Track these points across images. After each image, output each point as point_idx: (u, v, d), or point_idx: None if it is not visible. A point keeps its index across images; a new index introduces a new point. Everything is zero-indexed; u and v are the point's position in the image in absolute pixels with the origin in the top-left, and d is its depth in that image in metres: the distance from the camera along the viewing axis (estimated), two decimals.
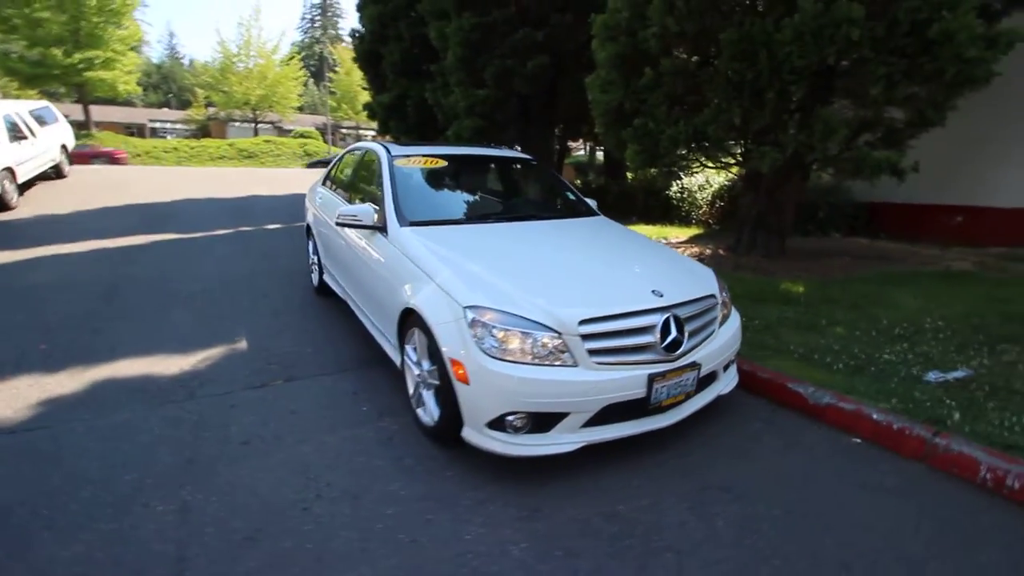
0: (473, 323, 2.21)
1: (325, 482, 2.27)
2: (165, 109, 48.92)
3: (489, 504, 2.12)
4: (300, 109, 42.37)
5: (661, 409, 2.37)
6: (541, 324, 2.18)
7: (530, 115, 7.88)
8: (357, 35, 11.34)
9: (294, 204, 11.13)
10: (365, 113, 13.31)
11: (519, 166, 4.15)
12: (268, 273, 5.71)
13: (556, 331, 2.17)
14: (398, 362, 2.94)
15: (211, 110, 38.33)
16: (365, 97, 41.51)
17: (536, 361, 2.16)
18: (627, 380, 2.22)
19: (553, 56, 7.25)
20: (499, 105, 7.63)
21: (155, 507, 2.09)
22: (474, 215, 3.37)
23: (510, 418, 2.17)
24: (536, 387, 2.14)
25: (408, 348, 2.72)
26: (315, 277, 5.03)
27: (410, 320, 2.64)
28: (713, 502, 2.14)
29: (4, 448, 2.51)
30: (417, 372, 2.64)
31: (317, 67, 56.31)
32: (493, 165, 4.06)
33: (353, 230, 3.45)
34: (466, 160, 3.87)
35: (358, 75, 40.39)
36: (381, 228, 3.13)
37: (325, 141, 36.12)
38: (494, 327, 2.19)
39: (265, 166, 30.91)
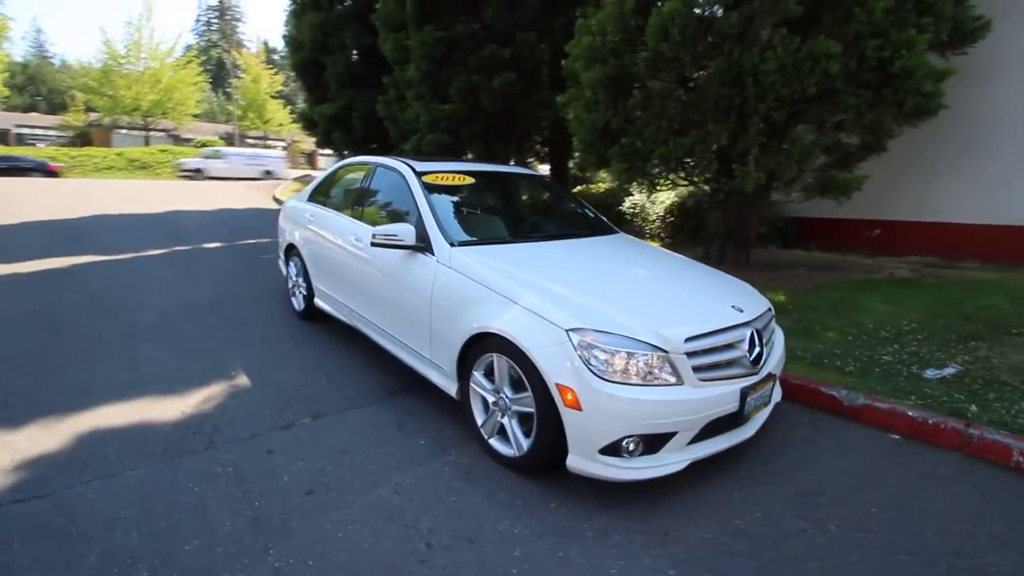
0: (580, 346, 2.15)
1: (426, 527, 2.07)
2: (33, 113, 42.96)
3: (613, 533, 2.05)
4: (197, 117, 39.12)
5: (746, 420, 2.44)
6: (648, 343, 2.16)
7: (492, 131, 7.89)
8: (294, 43, 10.72)
9: (227, 220, 10.24)
10: (290, 123, 12.58)
11: (534, 183, 4.12)
12: (235, 299, 5.17)
13: (663, 350, 2.17)
14: (452, 391, 2.78)
15: (93, 116, 34.26)
16: (275, 106, 39.40)
17: (645, 381, 2.14)
18: (726, 395, 2.27)
19: (518, 73, 7.33)
20: (465, 121, 7.55)
21: None
22: (514, 234, 3.29)
23: (626, 442, 2.13)
24: (652, 408, 2.11)
25: (477, 375, 2.58)
26: (297, 301, 4.64)
27: (482, 345, 2.52)
28: (814, 507, 2.23)
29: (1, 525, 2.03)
30: (493, 400, 2.52)
31: (214, 72, 52.44)
32: (512, 182, 4.00)
33: (376, 250, 3.23)
34: (486, 177, 3.78)
35: (266, 82, 38.39)
36: (423, 248, 2.96)
37: None
38: (602, 349, 2.14)
39: (162, 178, 28.06)
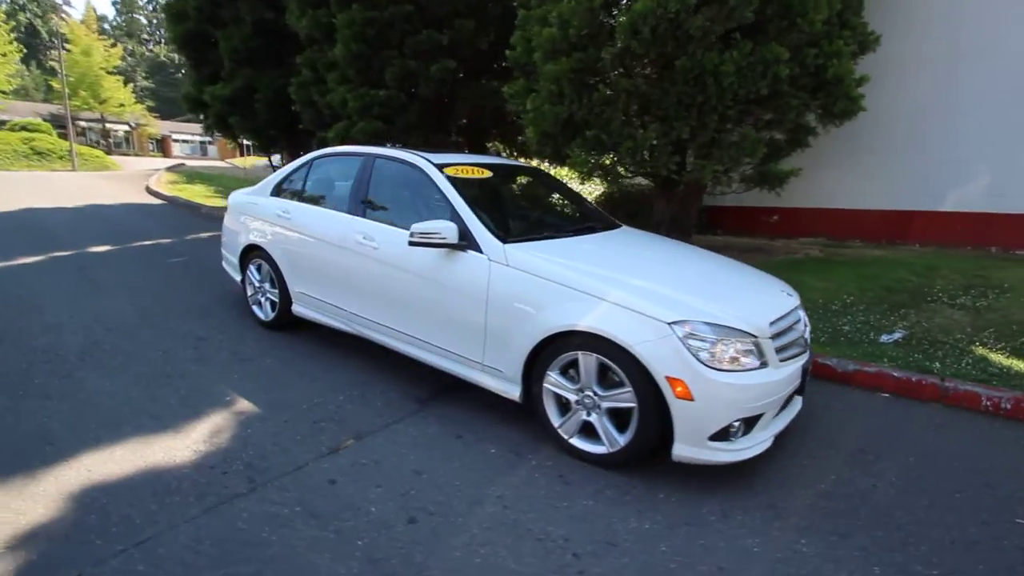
0: (684, 338, 2.20)
1: (560, 537, 1.99)
2: None
3: (732, 514, 2.15)
4: (7, 95, 32.14)
5: (798, 393, 2.69)
6: (742, 330, 2.28)
7: (430, 120, 7.58)
8: (173, 10, 9.22)
9: (102, 219, 8.66)
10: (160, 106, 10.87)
11: (537, 177, 4.05)
12: (168, 312, 4.43)
13: (753, 335, 2.30)
14: (514, 395, 2.68)
15: None
16: (113, 83, 33.75)
17: (743, 367, 2.26)
18: (794, 373, 2.47)
19: (456, 60, 7.11)
20: (402, 108, 7.16)
21: None
22: (548, 228, 3.22)
23: (733, 426, 2.23)
24: (753, 391, 2.24)
25: (553, 375, 2.52)
26: (263, 310, 4.12)
27: (559, 344, 2.46)
28: (869, 464, 2.53)
29: None
30: (576, 399, 2.48)
31: (25, 41, 43.42)
32: (519, 177, 3.88)
33: (399, 249, 2.99)
34: (498, 170, 3.63)
35: (100, 55, 32.69)
36: (465, 246, 2.79)
37: (63, 136, 28.08)
38: (703, 339, 2.21)
39: None
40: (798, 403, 2.69)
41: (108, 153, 29.31)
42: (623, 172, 5.87)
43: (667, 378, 2.19)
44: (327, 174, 3.84)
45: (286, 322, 4.00)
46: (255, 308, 4.20)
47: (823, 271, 5.61)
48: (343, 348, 3.73)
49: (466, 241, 2.80)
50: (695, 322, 2.24)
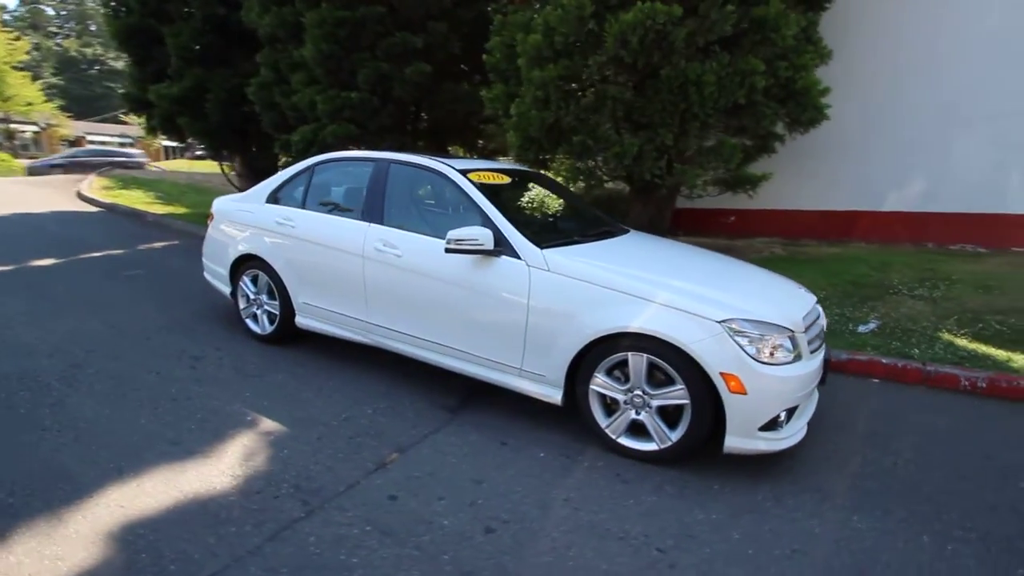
0: (735, 335, 2.32)
1: (639, 534, 2.05)
2: None
3: (785, 499, 2.28)
4: None
5: (821, 384, 2.88)
6: (782, 326, 2.42)
7: (405, 123, 7.45)
8: (115, 5, 8.49)
9: (37, 228, 7.89)
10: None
11: (544, 182, 4.08)
12: (148, 328, 4.12)
13: (791, 329, 2.45)
14: (556, 399, 2.72)
15: None
16: (18, 79, 30.71)
17: (783, 360, 2.40)
18: (820, 365, 2.66)
19: (431, 64, 7.05)
20: (375, 112, 6.99)
21: None
22: (574, 233, 3.26)
23: (780, 417, 2.37)
24: (796, 383, 2.39)
25: (600, 377, 2.57)
26: (259, 323, 3.93)
27: (607, 346, 2.52)
28: (884, 445, 2.75)
29: None
30: (624, 399, 2.54)
31: None
32: (529, 181, 3.89)
33: (428, 257, 2.96)
34: (511, 176, 3.64)
35: (3, 50, 29.63)
36: (500, 252, 2.80)
37: None
38: (750, 336, 2.34)
39: None
40: (816, 393, 2.89)
41: (15, 156, 26.60)
42: (605, 176, 6.03)
43: (722, 374, 2.30)
44: (332, 180, 3.71)
45: (286, 336, 3.83)
46: (249, 322, 3.98)
47: (792, 268, 6.00)
48: (352, 360, 3.61)
49: (501, 247, 2.81)
50: (741, 319, 2.36)
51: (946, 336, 4.02)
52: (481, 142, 9.37)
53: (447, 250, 2.77)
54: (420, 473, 2.44)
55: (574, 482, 2.40)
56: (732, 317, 2.36)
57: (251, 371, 3.46)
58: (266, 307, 3.86)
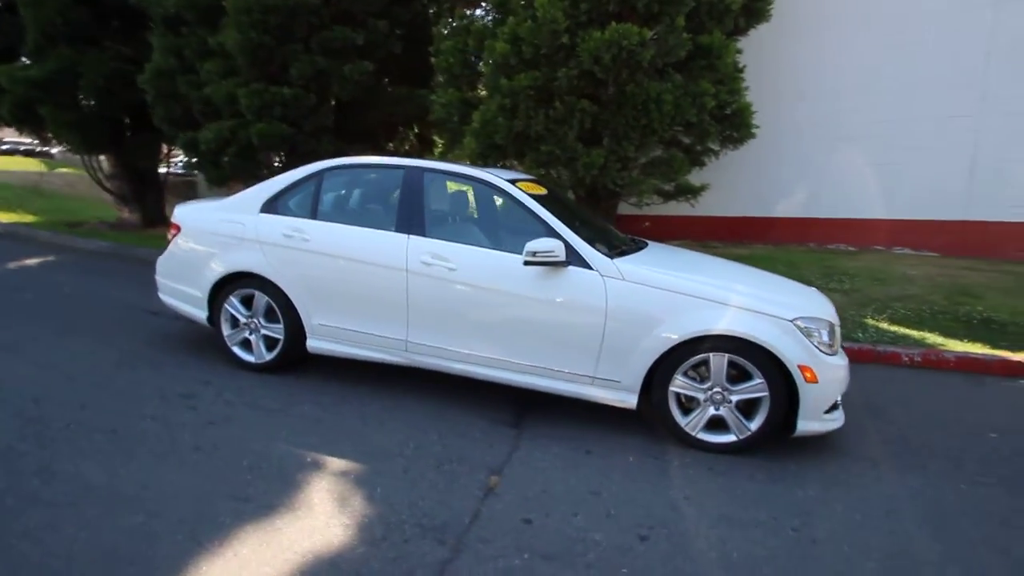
0: (804, 332, 2.63)
1: (770, 519, 2.23)
2: None
3: (851, 470, 2.64)
4: None
5: None
6: (829, 321, 2.80)
7: (345, 125, 6.94)
8: None
9: None
10: None
11: (555, 192, 4.11)
12: (99, 370, 3.42)
13: (835, 323, 2.85)
14: (631, 403, 2.84)
15: None
16: None
17: (834, 351, 2.78)
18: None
19: (371, 63, 6.69)
20: (312, 111, 6.44)
21: None
22: (622, 244, 3.37)
23: (838, 400, 2.73)
24: (844, 370, 2.78)
25: (680, 378, 2.74)
26: (251, 352, 3.48)
27: (684, 349, 2.69)
28: (891, 417, 3.27)
29: None
30: (703, 397, 2.74)
31: None
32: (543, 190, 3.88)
33: (487, 271, 2.90)
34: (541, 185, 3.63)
35: None
36: (570, 263, 2.83)
37: None
38: (812, 331, 2.67)
39: None
40: None
41: None
42: (563, 183, 6.26)
43: (799, 366, 2.59)
44: (349, 188, 3.41)
45: (288, 363, 3.43)
46: (237, 350, 3.48)
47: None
48: (371, 383, 3.36)
49: (571, 258, 2.84)
50: (804, 317, 2.69)
51: (871, 322, 4.87)
52: (407, 146, 9.09)
53: (526, 263, 2.73)
54: (533, 492, 2.38)
55: (679, 481, 2.52)
56: (799, 315, 2.67)
57: (269, 405, 3.04)
58: (264, 331, 3.41)
